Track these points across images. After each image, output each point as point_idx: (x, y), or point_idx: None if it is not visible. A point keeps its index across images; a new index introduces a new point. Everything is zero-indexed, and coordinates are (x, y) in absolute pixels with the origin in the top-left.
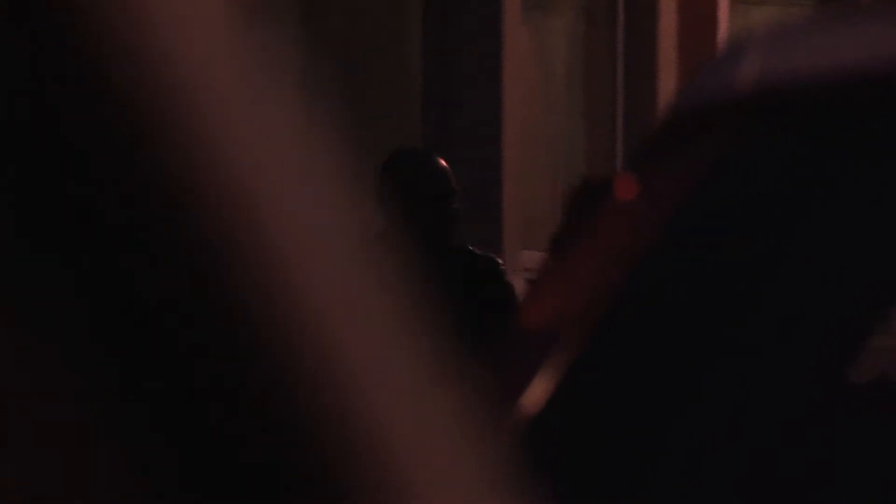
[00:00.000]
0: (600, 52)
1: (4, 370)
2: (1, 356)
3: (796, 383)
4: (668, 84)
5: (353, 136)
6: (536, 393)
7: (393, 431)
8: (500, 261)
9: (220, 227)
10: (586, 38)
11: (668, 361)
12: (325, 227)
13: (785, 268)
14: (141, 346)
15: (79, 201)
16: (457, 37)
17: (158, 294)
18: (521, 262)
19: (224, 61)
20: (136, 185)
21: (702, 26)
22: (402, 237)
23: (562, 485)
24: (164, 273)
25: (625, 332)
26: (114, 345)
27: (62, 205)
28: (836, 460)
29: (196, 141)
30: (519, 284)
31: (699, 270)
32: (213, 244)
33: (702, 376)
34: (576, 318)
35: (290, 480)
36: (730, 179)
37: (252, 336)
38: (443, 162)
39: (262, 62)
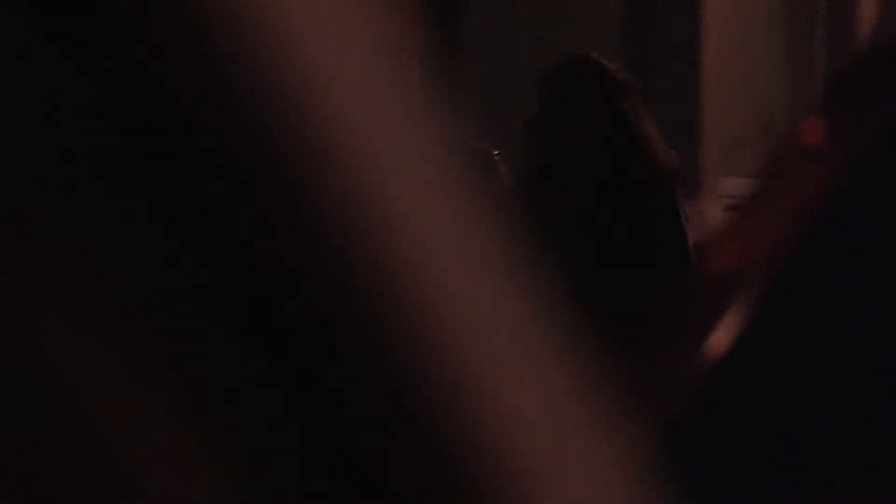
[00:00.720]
0: None
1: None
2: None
3: None
4: (870, 15)
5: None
6: (720, 340)
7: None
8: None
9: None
10: None
11: (856, 316)
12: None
13: None
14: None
15: (210, 200)
16: None
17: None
18: (721, 189)
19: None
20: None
21: None
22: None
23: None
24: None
25: (809, 282)
26: (238, 339)
27: (191, 204)
28: None
29: (323, 140)
30: (718, 212)
31: (886, 218)
32: (339, 245)
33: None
34: (761, 263)
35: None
36: None
37: (373, 330)
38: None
39: (394, 57)
